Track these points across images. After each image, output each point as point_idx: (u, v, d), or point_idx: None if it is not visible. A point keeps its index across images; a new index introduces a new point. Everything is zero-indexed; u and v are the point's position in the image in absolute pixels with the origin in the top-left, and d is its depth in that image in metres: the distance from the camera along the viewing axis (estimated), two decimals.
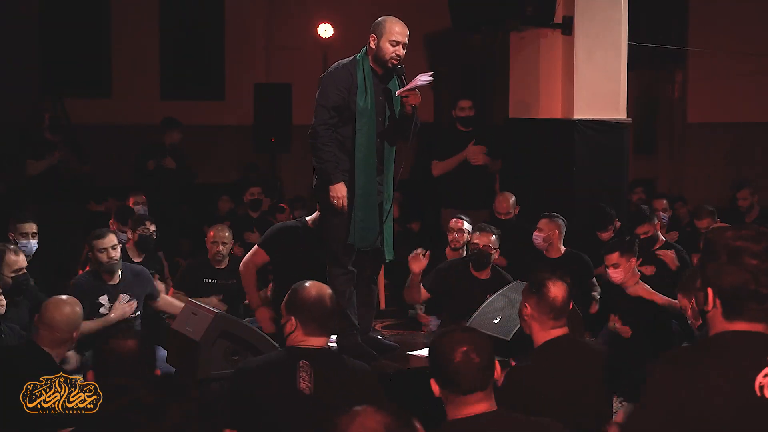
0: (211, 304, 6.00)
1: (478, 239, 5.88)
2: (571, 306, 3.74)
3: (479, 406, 2.72)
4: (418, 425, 2.12)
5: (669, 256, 6.43)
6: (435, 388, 2.78)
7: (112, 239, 5.59)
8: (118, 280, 5.61)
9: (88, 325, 5.14)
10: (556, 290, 3.59)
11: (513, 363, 4.04)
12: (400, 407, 2.64)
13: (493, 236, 5.91)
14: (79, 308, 4.30)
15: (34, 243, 6.02)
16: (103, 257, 5.51)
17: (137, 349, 2.99)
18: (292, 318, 3.38)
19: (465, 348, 2.72)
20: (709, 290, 2.36)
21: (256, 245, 5.79)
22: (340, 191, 4.60)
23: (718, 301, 2.35)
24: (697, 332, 4.36)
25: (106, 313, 5.49)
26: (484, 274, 5.92)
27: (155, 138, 9.17)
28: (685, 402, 2.28)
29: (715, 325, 2.37)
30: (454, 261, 6.19)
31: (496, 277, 5.91)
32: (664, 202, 8.32)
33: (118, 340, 3.02)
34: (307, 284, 3.46)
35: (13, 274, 5.06)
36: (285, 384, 3.25)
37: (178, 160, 9.07)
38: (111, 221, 7.13)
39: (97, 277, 5.59)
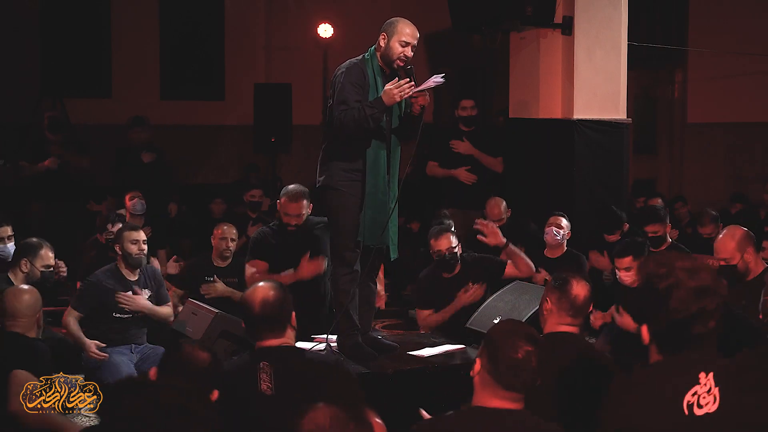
0: (219, 289, 6.03)
1: (439, 246, 5.83)
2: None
3: (509, 403, 2.73)
4: (374, 420, 2.14)
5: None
6: (477, 367, 2.79)
7: (142, 233, 5.74)
8: (137, 276, 5.68)
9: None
10: (579, 289, 3.61)
11: None
12: (358, 403, 2.67)
13: (452, 235, 5.87)
14: (35, 292, 4.45)
15: (11, 246, 6.00)
16: (134, 249, 5.61)
17: (208, 365, 2.96)
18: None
19: (531, 348, 2.76)
20: (644, 327, 2.46)
21: (246, 264, 5.73)
22: (393, 89, 4.45)
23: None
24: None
25: (126, 312, 5.56)
26: (453, 272, 5.91)
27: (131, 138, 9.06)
28: (630, 421, 2.38)
29: (653, 356, 2.47)
30: (424, 275, 6.13)
31: (465, 269, 5.91)
32: (659, 201, 8.32)
33: (193, 349, 2.98)
34: (256, 284, 3.45)
35: (42, 269, 5.36)
36: (249, 387, 3.24)
37: (156, 153, 8.86)
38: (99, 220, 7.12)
39: (115, 274, 5.65)
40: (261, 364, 3.27)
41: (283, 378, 3.24)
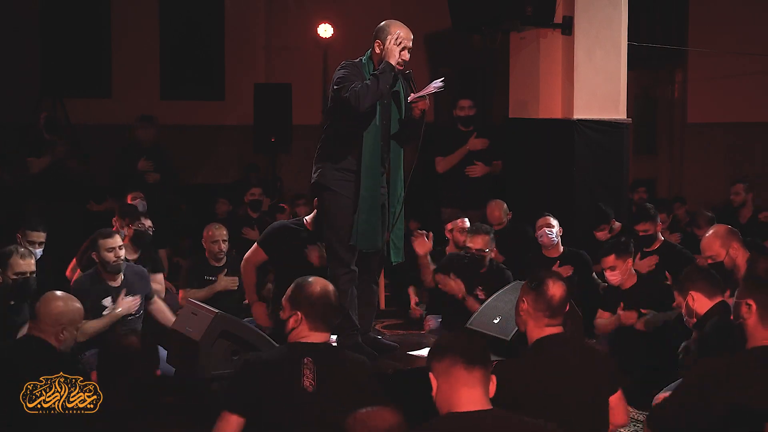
0: (222, 283, 6.23)
1: (472, 243, 5.97)
2: (568, 307, 3.74)
3: (474, 403, 2.77)
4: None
5: (644, 264, 6.36)
6: (434, 386, 2.86)
7: (118, 239, 5.64)
8: (120, 282, 5.61)
9: (95, 325, 5.22)
10: (555, 289, 3.59)
11: None
12: (385, 402, 2.70)
13: (488, 236, 5.99)
14: (74, 304, 4.20)
15: (39, 252, 5.99)
16: (111, 256, 5.52)
17: (140, 346, 2.97)
18: (298, 313, 3.38)
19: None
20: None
21: (255, 243, 5.81)
22: (389, 45, 4.54)
23: None
24: (693, 331, 4.36)
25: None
26: (482, 270, 6.04)
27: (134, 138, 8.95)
28: None
29: None
30: (452, 256, 6.24)
31: (493, 270, 5.99)
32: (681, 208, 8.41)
33: (121, 337, 3.00)
34: (311, 279, 3.49)
35: (15, 276, 5.12)
36: (289, 381, 3.26)
37: (158, 160, 8.76)
38: (114, 218, 7.10)
39: (98, 279, 5.58)
40: (305, 359, 3.29)
41: (325, 375, 3.28)
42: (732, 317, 3.63)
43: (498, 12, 7.39)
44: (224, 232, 6.50)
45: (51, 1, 10.89)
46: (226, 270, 6.45)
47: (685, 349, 4.42)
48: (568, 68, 7.43)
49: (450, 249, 6.84)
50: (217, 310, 4.70)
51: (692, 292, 4.23)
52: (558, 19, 7.38)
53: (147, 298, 5.79)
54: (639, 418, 5.33)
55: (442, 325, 6.15)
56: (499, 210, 7.24)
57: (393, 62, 4.55)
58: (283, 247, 5.62)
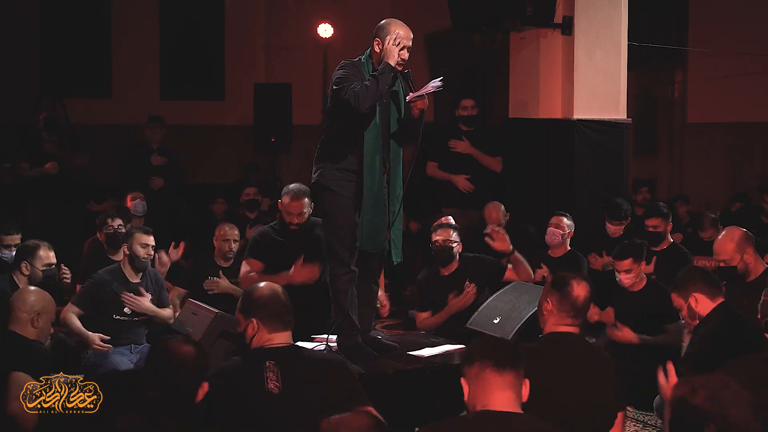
0: (222, 285, 6.13)
1: (438, 236, 6.05)
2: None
3: (507, 405, 2.77)
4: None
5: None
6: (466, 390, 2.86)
7: (152, 240, 5.76)
8: (139, 279, 5.71)
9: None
10: (580, 290, 3.60)
11: None
12: (361, 402, 2.69)
13: (452, 231, 6.07)
14: (46, 296, 4.46)
15: (10, 255, 6.01)
16: (143, 252, 5.66)
17: (194, 358, 2.97)
18: (253, 320, 3.37)
19: None
20: None
21: (244, 260, 5.75)
22: (388, 45, 4.54)
23: None
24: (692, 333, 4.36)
25: (131, 312, 5.59)
26: (451, 269, 6.05)
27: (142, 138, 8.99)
28: None
29: None
30: (422, 276, 6.26)
31: (463, 266, 6.04)
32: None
33: (179, 343, 3.00)
34: (257, 285, 3.50)
35: (44, 268, 5.42)
36: (254, 386, 3.24)
37: (168, 156, 8.85)
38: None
39: (120, 274, 5.68)
40: (267, 363, 3.27)
41: (291, 377, 3.25)
42: (759, 315, 3.64)
43: (498, 12, 7.39)
44: (236, 232, 6.52)
45: (51, 1, 10.91)
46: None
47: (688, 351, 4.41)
48: (568, 68, 7.43)
49: None
50: (217, 310, 4.71)
51: (695, 294, 4.22)
52: (558, 19, 7.38)
53: (161, 305, 5.83)
54: (639, 418, 5.33)
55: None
56: (497, 211, 7.24)
57: (392, 62, 4.55)
58: (270, 251, 5.63)
